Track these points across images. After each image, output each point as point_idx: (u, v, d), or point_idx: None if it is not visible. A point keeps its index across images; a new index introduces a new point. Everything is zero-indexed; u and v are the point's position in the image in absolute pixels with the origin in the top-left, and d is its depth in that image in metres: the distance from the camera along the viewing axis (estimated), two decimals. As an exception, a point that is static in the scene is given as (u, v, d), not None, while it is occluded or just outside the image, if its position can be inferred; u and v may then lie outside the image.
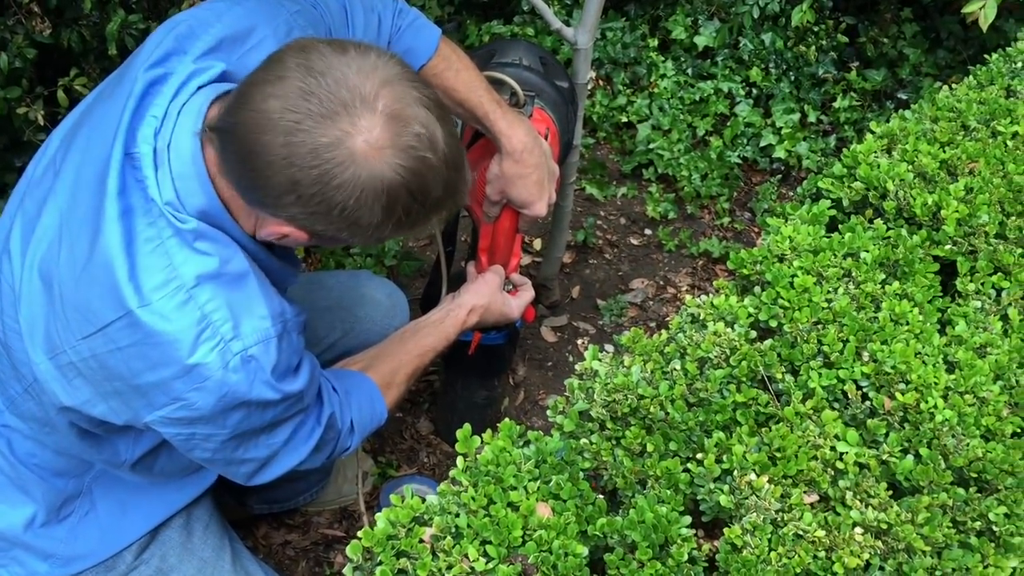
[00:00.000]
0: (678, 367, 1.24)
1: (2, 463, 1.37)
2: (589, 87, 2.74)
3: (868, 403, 1.20)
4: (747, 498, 1.07)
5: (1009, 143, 1.61)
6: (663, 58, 3.07)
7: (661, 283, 2.67)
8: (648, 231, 2.83)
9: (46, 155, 1.29)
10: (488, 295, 1.66)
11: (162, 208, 1.12)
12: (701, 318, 1.33)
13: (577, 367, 1.26)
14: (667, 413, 1.17)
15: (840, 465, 1.13)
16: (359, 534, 1.01)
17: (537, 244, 2.70)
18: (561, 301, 2.56)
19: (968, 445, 1.15)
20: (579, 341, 2.49)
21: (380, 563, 0.99)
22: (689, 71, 3.07)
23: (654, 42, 3.09)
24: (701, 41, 3.05)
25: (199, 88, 1.17)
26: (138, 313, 1.10)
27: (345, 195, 1.05)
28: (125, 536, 1.46)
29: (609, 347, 2.40)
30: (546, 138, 1.69)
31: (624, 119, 3.02)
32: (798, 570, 1.02)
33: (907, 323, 1.29)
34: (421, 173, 1.08)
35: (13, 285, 1.22)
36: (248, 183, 1.10)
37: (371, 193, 1.06)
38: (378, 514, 1.05)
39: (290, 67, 1.05)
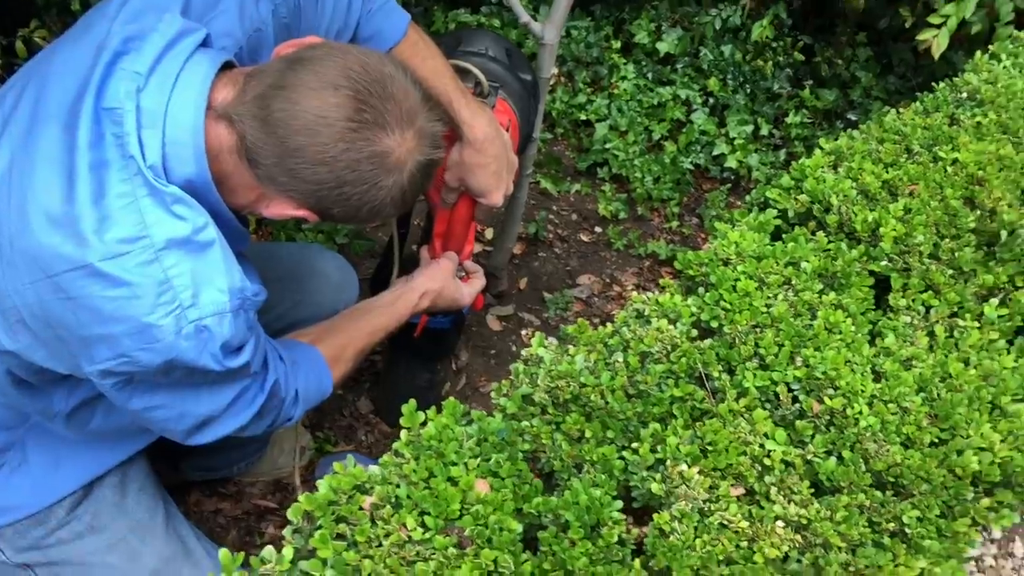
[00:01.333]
0: (620, 359, 1.28)
1: None
2: (551, 83, 2.77)
3: (798, 405, 1.25)
4: (677, 487, 1.12)
5: (949, 169, 1.68)
6: (625, 60, 3.12)
7: (607, 280, 2.72)
8: (598, 229, 2.87)
9: (3, 98, 1.28)
10: (442, 280, 1.69)
11: (141, 166, 1.12)
12: (646, 314, 1.37)
13: (523, 352, 1.30)
14: (607, 402, 1.21)
15: (767, 462, 1.18)
16: (300, 498, 1.03)
17: (489, 233, 2.72)
18: (508, 291, 2.59)
19: (888, 451, 1.21)
20: (523, 332, 2.52)
21: (320, 527, 1.01)
22: (649, 75, 3.12)
23: (617, 44, 3.14)
24: (663, 47, 3.11)
25: (191, 54, 1.18)
26: (100, 266, 1.10)
27: (382, 195, 1.21)
28: (57, 490, 1.45)
29: (552, 340, 2.44)
30: (507, 129, 1.72)
31: (583, 117, 3.07)
32: (720, 557, 1.07)
33: (840, 332, 1.34)
34: (429, 173, 1.27)
35: None
36: (281, 172, 1.18)
37: (398, 192, 1.22)
38: (320, 480, 1.07)
39: (338, 73, 1.16)
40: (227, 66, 1.23)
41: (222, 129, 1.18)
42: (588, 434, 1.18)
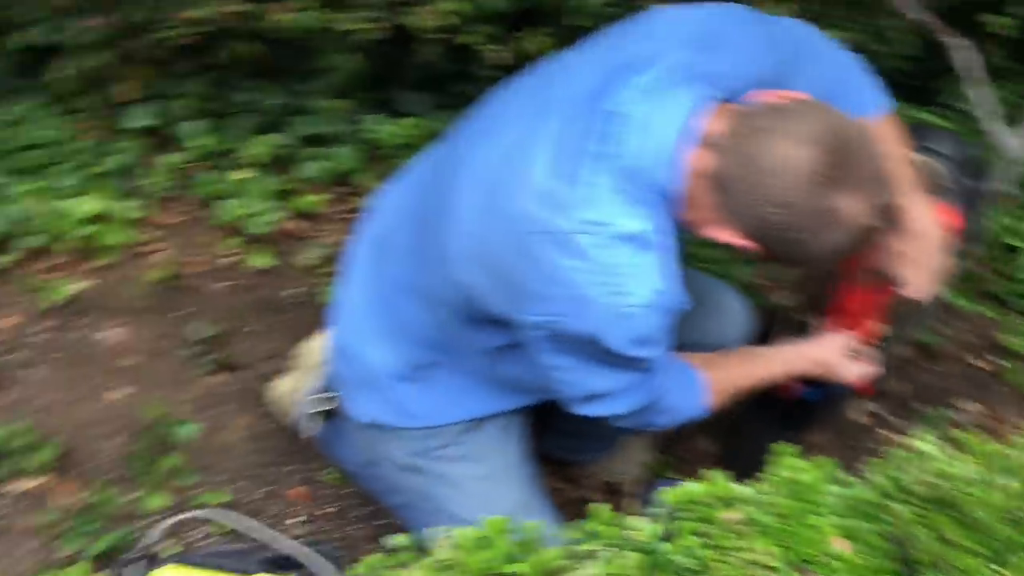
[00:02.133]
0: (1007, 483, 1.25)
1: (396, 320, 1.65)
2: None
3: None
4: (1037, 625, 1.08)
5: None
6: (1083, 196, 2.90)
7: (991, 414, 2.56)
8: (996, 359, 2.71)
9: (514, 89, 1.53)
10: (833, 354, 1.73)
11: (622, 166, 1.31)
12: (1045, 450, 1.32)
13: (907, 441, 1.31)
14: (985, 518, 1.19)
15: None
16: (673, 489, 1.15)
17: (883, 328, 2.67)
18: (883, 388, 2.54)
19: None
20: (882, 431, 2.46)
21: (682, 518, 1.12)
22: (1108, 217, 2.87)
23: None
24: None
25: (687, 82, 1.34)
26: (566, 236, 1.31)
27: (819, 248, 1.31)
28: (455, 415, 1.69)
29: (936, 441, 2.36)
30: (950, 233, 1.71)
31: (1014, 242, 2.89)
32: None
33: None
34: (863, 241, 1.34)
35: (454, 179, 1.47)
36: (741, 205, 1.30)
37: (835, 249, 1.31)
38: (680, 485, 1.18)
39: (818, 129, 1.26)
40: (717, 101, 1.37)
41: (701, 154, 1.32)
42: (956, 540, 1.17)
